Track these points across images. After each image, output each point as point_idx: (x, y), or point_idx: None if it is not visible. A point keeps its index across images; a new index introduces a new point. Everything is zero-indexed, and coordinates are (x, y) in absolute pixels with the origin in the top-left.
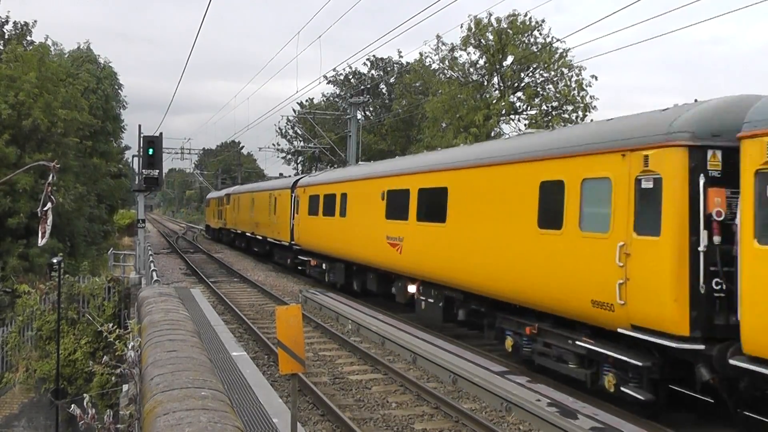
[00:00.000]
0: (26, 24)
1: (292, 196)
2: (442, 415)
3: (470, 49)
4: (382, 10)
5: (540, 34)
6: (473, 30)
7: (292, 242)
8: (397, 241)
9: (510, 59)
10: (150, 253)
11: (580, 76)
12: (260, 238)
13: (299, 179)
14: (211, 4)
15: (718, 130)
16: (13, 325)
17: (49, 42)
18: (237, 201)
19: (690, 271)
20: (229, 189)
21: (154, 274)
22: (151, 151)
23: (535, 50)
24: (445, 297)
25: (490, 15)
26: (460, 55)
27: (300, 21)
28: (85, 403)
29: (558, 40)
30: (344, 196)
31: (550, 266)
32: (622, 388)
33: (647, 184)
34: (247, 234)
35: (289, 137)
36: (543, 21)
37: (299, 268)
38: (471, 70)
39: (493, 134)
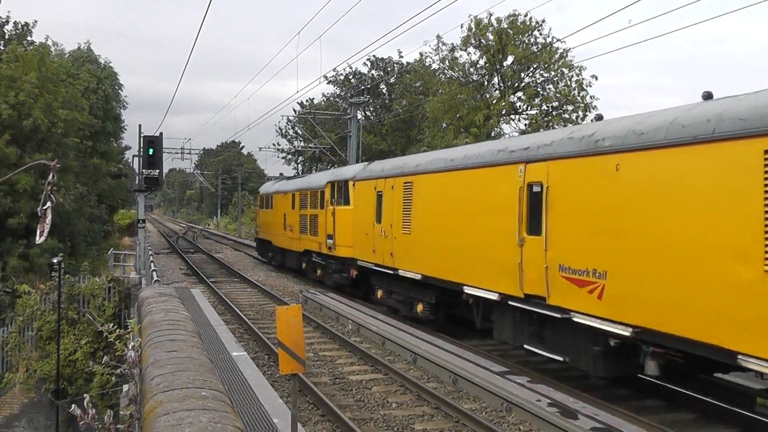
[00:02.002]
0: (26, 24)
1: None
2: (443, 416)
3: (470, 49)
4: (382, 10)
5: (540, 34)
6: (473, 30)
7: None
8: None
9: (510, 59)
10: (150, 253)
11: (580, 76)
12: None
13: None
14: (211, 5)
15: None
16: (13, 326)
17: (50, 42)
18: (412, 190)
19: None
20: (352, 167)
21: (155, 274)
22: (151, 151)
23: (536, 50)
24: None
25: (491, 15)
26: (461, 55)
27: (300, 21)
28: (85, 404)
29: (558, 40)
30: None
31: None
32: None
33: None
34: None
35: (289, 137)
36: (543, 21)
37: None
38: (471, 70)
39: (493, 134)
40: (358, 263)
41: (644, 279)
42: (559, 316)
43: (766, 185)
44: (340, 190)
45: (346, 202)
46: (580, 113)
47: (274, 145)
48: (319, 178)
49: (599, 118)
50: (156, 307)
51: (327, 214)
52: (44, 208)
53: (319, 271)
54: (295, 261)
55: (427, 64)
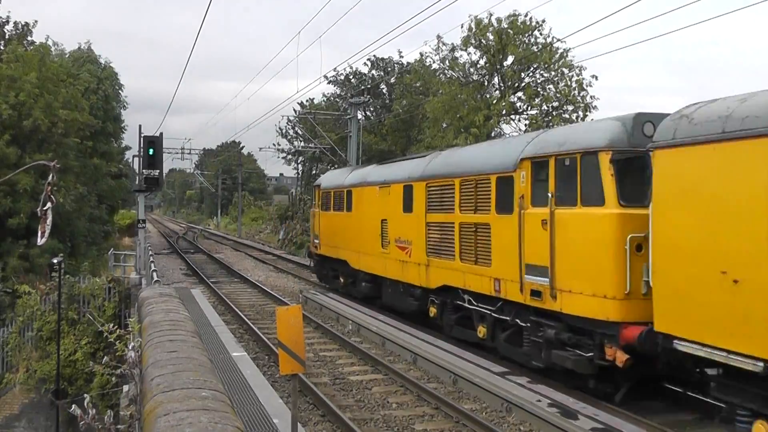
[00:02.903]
0: (27, 24)
1: None
2: (443, 416)
3: (471, 49)
4: (382, 10)
5: (540, 34)
6: (474, 30)
7: None
8: None
9: (510, 59)
10: (150, 253)
11: (580, 76)
12: None
13: None
14: (211, 5)
15: None
16: (13, 326)
17: (50, 42)
18: None
19: None
20: (605, 123)
21: (155, 274)
22: (151, 152)
23: (536, 50)
24: None
25: (491, 15)
26: (461, 56)
27: (300, 21)
28: (85, 404)
29: (558, 40)
30: None
31: None
32: None
33: None
34: None
35: (289, 137)
36: (543, 21)
37: None
38: (471, 70)
39: (493, 134)
40: (674, 343)
41: None
42: None
43: None
44: (570, 176)
45: (594, 200)
46: (581, 113)
47: (274, 145)
48: (496, 153)
49: None
50: (156, 308)
51: (526, 226)
52: (44, 209)
53: (482, 330)
54: (412, 302)
55: (427, 64)
